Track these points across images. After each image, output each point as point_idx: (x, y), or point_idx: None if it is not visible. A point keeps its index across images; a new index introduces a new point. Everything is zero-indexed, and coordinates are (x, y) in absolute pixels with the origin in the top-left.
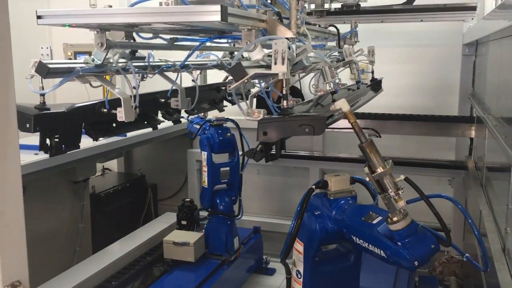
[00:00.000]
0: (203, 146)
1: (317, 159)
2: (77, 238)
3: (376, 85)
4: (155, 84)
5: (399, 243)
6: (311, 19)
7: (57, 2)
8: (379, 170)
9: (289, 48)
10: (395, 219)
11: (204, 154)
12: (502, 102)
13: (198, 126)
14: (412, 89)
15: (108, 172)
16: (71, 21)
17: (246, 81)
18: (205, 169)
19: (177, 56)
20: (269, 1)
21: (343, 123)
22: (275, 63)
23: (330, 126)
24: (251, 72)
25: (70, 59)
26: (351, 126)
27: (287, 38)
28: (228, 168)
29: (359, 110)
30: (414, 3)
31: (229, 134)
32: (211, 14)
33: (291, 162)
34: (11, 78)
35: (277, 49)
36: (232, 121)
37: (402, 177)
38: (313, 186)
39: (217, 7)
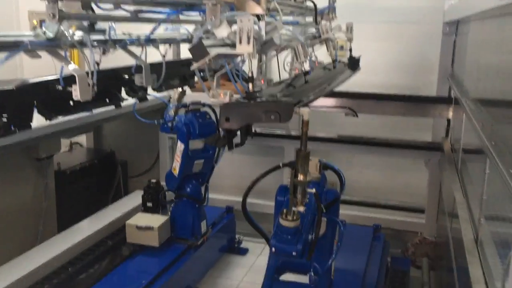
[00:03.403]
0: (181, 137)
1: (293, 138)
2: (41, 218)
3: (353, 64)
4: (127, 59)
5: (278, 232)
6: None
7: None
8: (301, 178)
9: (257, 26)
10: (288, 217)
11: (181, 146)
12: (481, 86)
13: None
14: (392, 66)
15: (76, 148)
16: None
17: (208, 61)
18: (178, 159)
19: (144, 30)
20: None
21: (320, 102)
22: (240, 43)
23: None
24: (214, 51)
25: (35, 27)
26: (329, 105)
27: (256, 15)
28: (202, 161)
29: (335, 88)
30: None
31: (208, 117)
32: None
33: (267, 141)
34: None
35: (242, 27)
36: (209, 106)
37: (314, 190)
38: (281, 164)
39: None
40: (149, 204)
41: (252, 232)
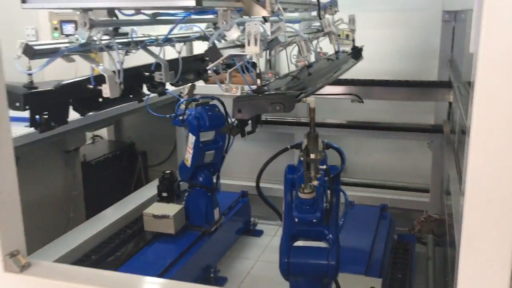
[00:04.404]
0: (192, 129)
1: (302, 125)
2: (71, 205)
3: (356, 54)
4: (142, 56)
5: (298, 204)
6: None
7: None
8: (313, 156)
9: (262, 28)
10: (305, 191)
11: (192, 138)
12: (471, 70)
13: (183, 107)
14: (395, 54)
15: (98, 140)
16: (54, 5)
17: (221, 61)
18: (190, 150)
19: (160, 30)
20: None
21: (327, 89)
22: (249, 44)
23: (316, 93)
24: (226, 53)
25: (56, 28)
26: (336, 93)
27: (263, 17)
28: (213, 151)
29: (342, 77)
30: None
31: (217, 109)
32: (186, 0)
33: (278, 128)
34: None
35: (250, 30)
36: (218, 99)
37: (325, 166)
38: (289, 146)
39: None
40: (164, 194)
41: (266, 215)
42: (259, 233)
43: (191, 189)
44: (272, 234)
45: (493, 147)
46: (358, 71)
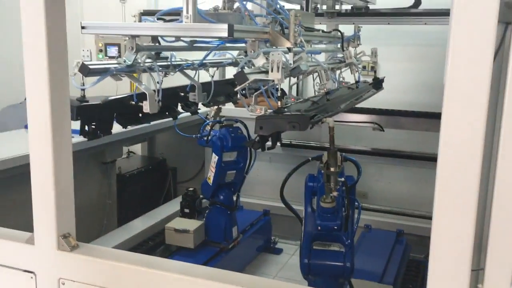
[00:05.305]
0: (216, 149)
1: (325, 149)
2: (105, 213)
3: (377, 84)
4: (178, 78)
5: (320, 213)
6: (322, 19)
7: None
8: (332, 169)
9: (285, 58)
10: (327, 200)
11: (215, 157)
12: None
13: (208, 129)
14: (419, 86)
15: (132, 155)
16: (108, 32)
17: (247, 84)
18: (213, 169)
19: (197, 55)
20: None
21: (350, 117)
22: (272, 71)
23: (339, 120)
24: (252, 77)
25: (101, 50)
26: (357, 121)
27: (287, 47)
28: (234, 171)
29: (366, 106)
30: (420, 7)
31: (240, 132)
32: (220, 32)
33: (302, 152)
34: (67, 77)
35: (274, 59)
36: (241, 122)
37: (343, 179)
38: (310, 158)
39: (225, 26)
40: (187, 210)
41: (287, 234)
42: (279, 251)
43: (211, 206)
44: (291, 252)
45: (457, 167)
46: (382, 101)
